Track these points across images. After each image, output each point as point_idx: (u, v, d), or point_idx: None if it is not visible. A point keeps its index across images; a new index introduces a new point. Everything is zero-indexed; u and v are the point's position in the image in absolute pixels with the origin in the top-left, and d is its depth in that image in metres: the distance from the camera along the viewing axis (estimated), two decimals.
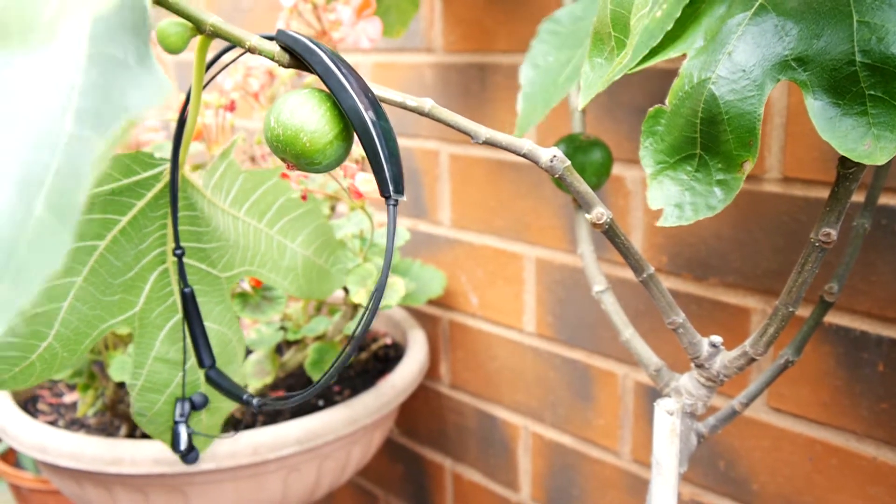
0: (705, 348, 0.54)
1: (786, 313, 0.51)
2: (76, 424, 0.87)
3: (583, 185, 0.45)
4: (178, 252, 0.57)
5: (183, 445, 0.61)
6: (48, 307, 0.54)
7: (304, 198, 0.63)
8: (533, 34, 0.89)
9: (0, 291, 0.21)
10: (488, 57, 0.94)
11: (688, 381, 0.57)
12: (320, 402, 0.89)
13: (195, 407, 0.63)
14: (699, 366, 0.55)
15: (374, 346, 1.02)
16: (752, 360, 0.52)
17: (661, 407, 0.54)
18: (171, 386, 0.62)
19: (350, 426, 0.80)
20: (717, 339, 0.54)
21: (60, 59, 0.26)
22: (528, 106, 0.65)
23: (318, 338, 0.86)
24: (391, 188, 0.41)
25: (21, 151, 0.24)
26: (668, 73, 0.78)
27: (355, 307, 0.83)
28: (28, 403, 0.93)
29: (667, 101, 0.47)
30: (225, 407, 0.65)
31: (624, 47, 0.45)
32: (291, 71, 0.81)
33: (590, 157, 0.66)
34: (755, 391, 0.58)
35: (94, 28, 0.27)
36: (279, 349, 0.95)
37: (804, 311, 0.72)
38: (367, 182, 0.64)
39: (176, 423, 0.62)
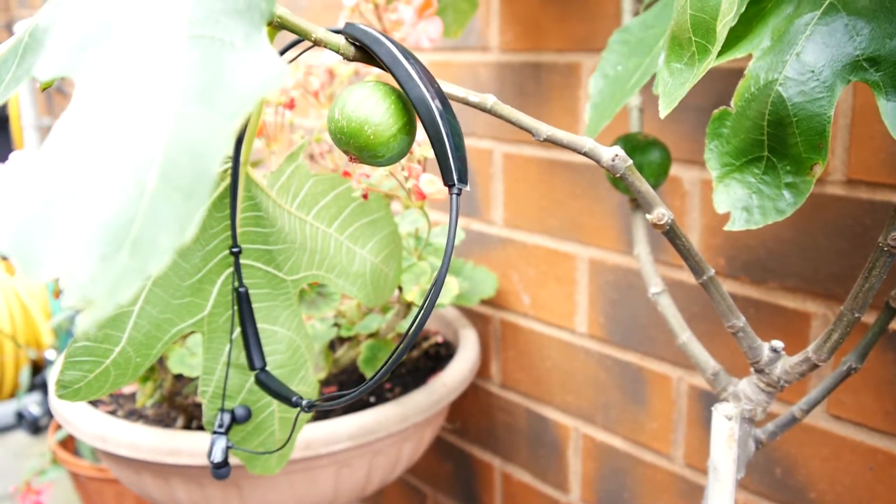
0: (766, 353, 0.53)
1: (851, 319, 0.50)
2: (135, 415, 0.89)
3: (644, 185, 0.44)
4: (235, 250, 0.57)
5: (217, 458, 0.58)
6: (119, 311, 0.54)
7: (365, 196, 0.64)
8: (589, 33, 0.88)
9: (121, 260, 0.22)
10: (544, 56, 0.94)
11: (747, 386, 0.56)
12: (372, 399, 0.90)
13: (236, 420, 0.61)
14: (759, 371, 0.54)
15: (425, 345, 1.03)
16: (815, 366, 0.51)
17: (720, 412, 0.53)
18: (242, 392, 0.61)
19: (401, 423, 0.81)
20: (778, 343, 0.53)
21: (161, 41, 0.27)
22: (596, 115, 0.64)
23: (371, 335, 0.87)
24: (455, 177, 0.41)
25: (126, 131, 0.24)
26: (728, 73, 0.77)
27: (408, 305, 0.83)
28: None
29: (732, 103, 0.47)
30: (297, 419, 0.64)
31: (706, 52, 0.44)
32: (351, 70, 0.82)
33: (648, 157, 0.65)
34: (816, 398, 0.57)
35: (194, 12, 0.28)
36: (332, 345, 0.96)
37: (868, 318, 0.70)
38: (430, 183, 0.64)
39: (214, 433, 0.60)
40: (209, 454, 0.59)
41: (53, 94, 2.47)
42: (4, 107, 2.86)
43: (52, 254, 0.24)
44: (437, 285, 0.40)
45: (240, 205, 0.57)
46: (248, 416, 0.62)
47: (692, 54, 0.46)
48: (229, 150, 0.24)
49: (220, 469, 0.59)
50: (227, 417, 0.61)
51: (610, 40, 0.66)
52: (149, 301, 0.55)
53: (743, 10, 0.46)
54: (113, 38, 0.28)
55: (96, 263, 0.23)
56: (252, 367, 0.58)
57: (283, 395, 0.56)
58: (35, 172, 0.26)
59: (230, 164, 0.55)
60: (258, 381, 0.57)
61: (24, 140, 2.48)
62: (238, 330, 0.60)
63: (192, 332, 0.71)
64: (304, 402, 0.53)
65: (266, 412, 0.63)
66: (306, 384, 0.64)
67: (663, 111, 0.46)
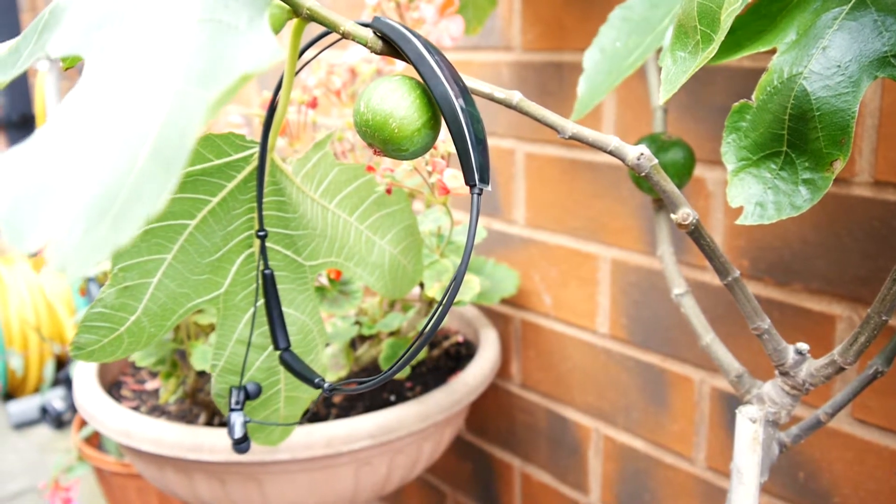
0: (791, 355, 0.52)
1: (878, 322, 0.49)
2: (157, 411, 0.90)
3: (669, 184, 0.44)
4: (262, 234, 0.58)
5: (237, 434, 0.60)
6: (138, 281, 0.55)
7: (388, 191, 0.64)
8: None
9: (100, 232, 0.22)
10: (566, 55, 0.93)
11: (771, 389, 0.55)
12: (392, 398, 0.90)
13: (249, 396, 0.63)
14: (784, 373, 0.53)
15: (445, 344, 1.02)
16: (841, 369, 0.51)
17: (744, 414, 0.53)
18: (251, 369, 0.63)
19: (422, 422, 0.81)
20: (803, 346, 0.52)
21: (171, 23, 0.27)
22: (590, 89, 0.64)
23: (393, 333, 0.87)
24: (476, 176, 0.41)
25: (130, 108, 0.25)
26: (753, 73, 0.76)
27: (430, 304, 0.83)
28: (112, 389, 0.97)
29: (753, 97, 0.46)
30: (304, 397, 0.66)
31: (710, 41, 0.44)
32: (373, 69, 0.82)
33: (671, 157, 0.65)
34: (842, 401, 0.56)
35: None
36: (353, 343, 0.96)
37: (895, 321, 0.69)
38: (454, 178, 0.64)
39: (231, 410, 0.62)
40: (229, 432, 0.60)
41: None
42: (30, 105, 2.90)
43: (41, 225, 0.25)
44: (457, 280, 0.40)
45: (264, 189, 0.57)
46: (259, 392, 0.64)
47: (696, 43, 0.46)
48: (205, 123, 0.25)
49: (241, 444, 0.61)
50: (241, 394, 0.63)
51: (611, 15, 0.65)
52: (168, 275, 0.56)
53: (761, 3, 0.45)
54: (126, 19, 0.29)
55: (80, 235, 0.24)
56: (277, 347, 0.59)
57: (305, 376, 0.57)
58: (36, 147, 0.27)
59: (256, 149, 0.55)
60: (282, 361, 0.59)
61: None
62: (252, 309, 0.61)
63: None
64: (326, 385, 0.54)
65: (273, 389, 0.65)
66: (317, 368, 0.66)
67: (663, 97, 0.46)
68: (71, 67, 0.36)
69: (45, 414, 2.01)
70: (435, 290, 0.73)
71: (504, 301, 1.09)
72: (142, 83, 0.26)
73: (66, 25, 0.31)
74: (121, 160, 0.24)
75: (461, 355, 1.01)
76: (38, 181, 0.25)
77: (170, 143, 0.24)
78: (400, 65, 0.83)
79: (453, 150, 0.68)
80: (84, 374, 0.92)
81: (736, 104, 0.46)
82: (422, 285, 0.78)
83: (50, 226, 0.24)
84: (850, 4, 0.43)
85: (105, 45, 0.28)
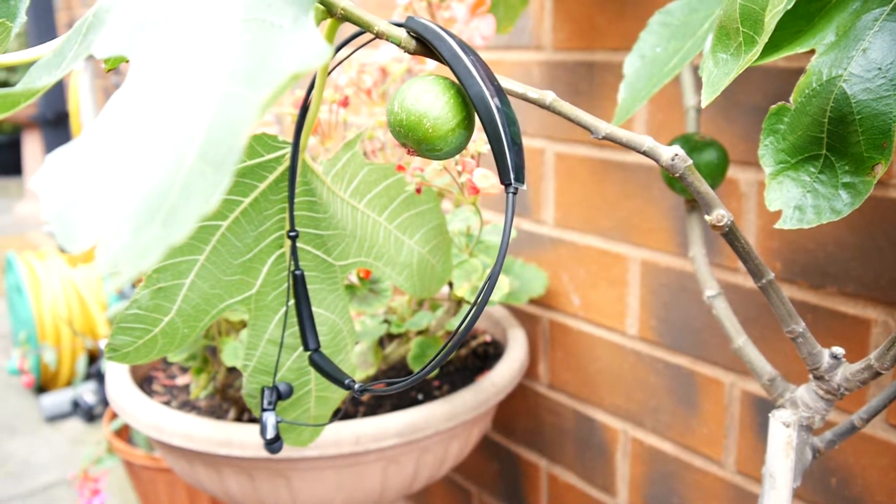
0: (826, 360, 0.52)
1: None
2: (187, 406, 0.91)
3: (704, 185, 0.43)
4: (293, 234, 0.58)
5: (270, 434, 0.61)
6: (172, 283, 0.56)
7: (418, 191, 0.64)
8: None
9: (151, 231, 0.23)
10: (598, 55, 0.93)
11: (805, 393, 0.54)
12: (419, 396, 0.90)
13: (281, 396, 0.63)
14: (818, 377, 0.53)
15: (473, 343, 1.02)
16: (878, 374, 0.50)
17: (777, 418, 0.52)
18: (282, 370, 0.63)
19: (449, 421, 0.81)
20: (838, 350, 0.51)
21: (215, 23, 0.28)
22: (630, 95, 0.63)
23: (421, 332, 0.87)
24: (512, 176, 0.41)
25: (176, 109, 0.25)
26: (789, 73, 0.75)
27: (458, 303, 0.83)
28: (144, 384, 0.98)
29: (791, 99, 0.46)
30: (334, 397, 0.66)
31: (753, 44, 0.43)
32: (403, 68, 0.82)
33: (705, 158, 0.64)
34: (878, 406, 0.55)
35: None
36: (381, 342, 0.97)
37: None
38: (484, 178, 0.64)
39: (263, 410, 0.62)
40: (262, 431, 0.61)
41: (112, 90, 2.53)
42: (65, 103, 2.94)
43: (90, 225, 0.25)
44: (492, 281, 0.40)
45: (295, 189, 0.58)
46: (291, 392, 0.64)
47: (739, 45, 0.45)
48: (256, 123, 0.25)
49: (273, 444, 0.61)
50: (274, 394, 0.63)
51: (650, 21, 0.65)
52: (200, 276, 0.56)
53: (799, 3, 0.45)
54: (170, 20, 0.29)
55: (129, 234, 0.24)
56: (307, 348, 0.59)
57: (335, 377, 0.57)
58: (84, 148, 0.27)
59: (288, 150, 0.56)
60: (312, 362, 0.59)
61: None
62: (283, 309, 0.61)
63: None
64: (356, 386, 0.54)
65: (304, 389, 0.65)
66: (346, 368, 0.66)
67: (705, 100, 0.45)
68: (113, 69, 0.37)
69: (76, 407, 2.04)
70: (464, 290, 0.73)
71: (532, 301, 1.08)
72: (186, 84, 0.26)
73: (110, 27, 0.32)
74: (168, 160, 0.24)
75: (489, 355, 1.01)
76: (86, 182, 0.25)
77: (219, 143, 0.24)
78: (431, 64, 0.83)
79: (483, 150, 0.68)
80: (117, 369, 0.93)
81: (774, 106, 0.46)
82: (450, 284, 0.78)
83: (98, 226, 0.24)
84: (891, 5, 0.42)
85: (149, 45, 0.29)
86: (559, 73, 0.98)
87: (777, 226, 0.46)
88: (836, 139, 0.44)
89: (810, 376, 0.54)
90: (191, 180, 0.24)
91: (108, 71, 0.37)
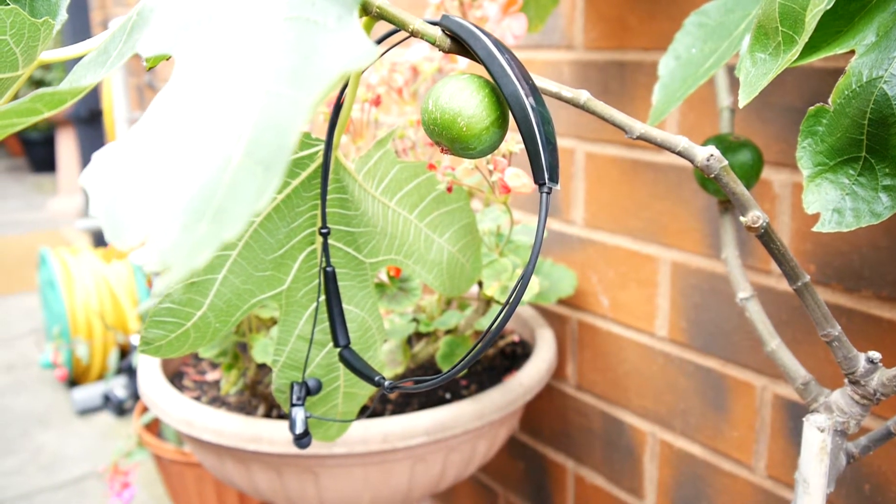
0: (862, 364, 0.51)
1: None
2: (217, 401, 0.92)
3: (739, 186, 0.43)
4: (324, 231, 0.59)
5: (299, 429, 0.61)
6: (204, 277, 0.56)
7: (449, 190, 0.64)
8: (676, 31, 0.86)
9: (201, 229, 0.23)
10: (629, 55, 0.92)
11: (840, 398, 0.54)
12: (447, 395, 0.90)
13: (310, 392, 0.64)
14: (854, 382, 0.52)
15: (501, 343, 1.02)
16: None
17: (812, 423, 0.52)
18: (311, 365, 0.64)
19: (477, 421, 0.81)
20: (875, 354, 0.51)
21: (258, 22, 0.28)
22: (665, 96, 0.63)
23: (450, 331, 0.87)
24: (546, 176, 0.41)
25: (221, 108, 0.25)
26: (825, 73, 0.74)
27: (487, 303, 0.83)
28: (174, 379, 0.99)
29: (829, 100, 0.45)
30: (362, 394, 0.67)
31: (793, 43, 0.43)
32: (434, 68, 0.82)
33: (740, 159, 0.64)
34: None
35: None
36: (410, 341, 0.97)
37: None
38: (515, 177, 0.64)
39: (292, 405, 0.63)
40: (291, 426, 0.61)
41: (145, 89, 2.56)
42: (98, 100, 2.98)
43: (138, 221, 0.25)
44: (525, 280, 0.40)
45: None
46: (319, 388, 0.65)
47: (778, 44, 0.44)
48: (306, 122, 0.25)
49: (302, 439, 0.61)
50: (303, 389, 0.63)
51: (686, 21, 0.64)
52: (232, 271, 0.57)
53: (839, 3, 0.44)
54: (214, 19, 0.29)
55: (178, 232, 0.24)
56: (336, 344, 0.60)
57: (365, 373, 0.57)
58: (131, 145, 0.28)
59: (321, 147, 0.56)
60: (342, 359, 0.59)
61: (117, 133, 2.58)
62: (314, 306, 0.62)
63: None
64: (386, 383, 0.54)
65: (332, 385, 0.66)
66: (375, 365, 0.66)
67: (742, 101, 0.45)
68: (153, 67, 0.37)
69: (107, 401, 2.06)
70: (493, 289, 0.73)
71: (561, 301, 1.08)
72: (231, 83, 0.26)
73: (154, 26, 0.32)
74: (214, 159, 0.24)
75: (517, 355, 1.01)
76: (133, 178, 0.26)
77: (266, 142, 0.24)
78: (462, 63, 0.83)
79: (515, 149, 0.67)
80: (148, 364, 0.94)
81: (812, 108, 0.45)
82: (480, 284, 0.78)
83: (146, 222, 0.24)
84: None
85: (194, 44, 0.29)
86: (590, 73, 0.98)
87: (815, 229, 0.45)
88: (875, 141, 0.43)
89: (846, 381, 0.53)
90: (239, 179, 0.24)
91: (150, 69, 0.38)
